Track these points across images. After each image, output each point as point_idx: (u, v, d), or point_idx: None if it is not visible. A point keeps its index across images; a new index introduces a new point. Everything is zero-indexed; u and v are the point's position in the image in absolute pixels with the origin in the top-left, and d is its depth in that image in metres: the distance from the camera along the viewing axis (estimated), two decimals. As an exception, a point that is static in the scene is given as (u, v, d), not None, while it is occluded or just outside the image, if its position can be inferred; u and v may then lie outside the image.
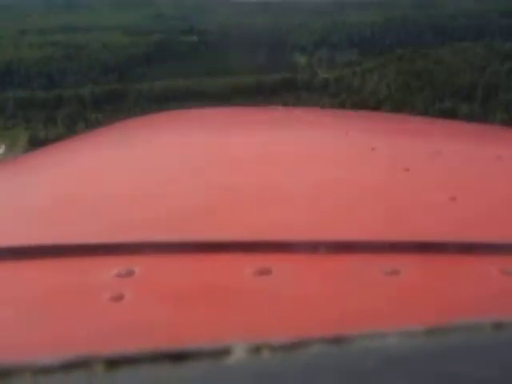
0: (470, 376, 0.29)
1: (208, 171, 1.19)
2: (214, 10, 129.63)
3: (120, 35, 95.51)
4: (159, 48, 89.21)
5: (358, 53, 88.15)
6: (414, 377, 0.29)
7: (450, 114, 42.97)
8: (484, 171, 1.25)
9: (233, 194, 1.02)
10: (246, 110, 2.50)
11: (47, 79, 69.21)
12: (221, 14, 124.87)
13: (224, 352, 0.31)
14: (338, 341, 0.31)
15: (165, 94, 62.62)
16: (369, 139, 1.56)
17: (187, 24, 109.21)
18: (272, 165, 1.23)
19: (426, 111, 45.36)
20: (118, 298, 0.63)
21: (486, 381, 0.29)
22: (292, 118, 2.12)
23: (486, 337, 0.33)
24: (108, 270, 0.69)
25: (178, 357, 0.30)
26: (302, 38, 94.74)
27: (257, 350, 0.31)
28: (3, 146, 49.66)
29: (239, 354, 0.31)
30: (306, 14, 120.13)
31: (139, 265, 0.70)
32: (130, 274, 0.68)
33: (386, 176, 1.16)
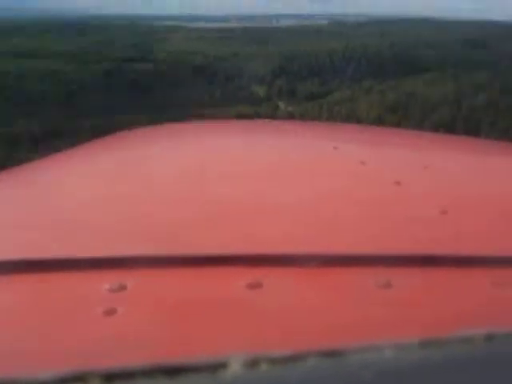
0: None
1: (200, 184, 1.18)
2: (170, 37, 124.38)
3: (65, 63, 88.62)
4: (108, 77, 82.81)
5: (318, 83, 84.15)
6: None
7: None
8: (475, 184, 1.25)
9: (224, 208, 1.01)
10: (241, 124, 2.52)
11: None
12: (177, 40, 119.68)
13: (221, 365, 0.30)
14: (334, 354, 0.31)
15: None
16: (359, 152, 1.55)
17: (140, 51, 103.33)
18: (263, 178, 1.23)
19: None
20: (111, 312, 0.62)
21: None
22: (281, 131, 2.05)
23: (479, 349, 0.33)
24: (100, 284, 0.69)
25: (174, 371, 0.30)
26: (260, 67, 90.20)
27: (253, 363, 0.31)
28: None
29: (236, 367, 0.30)
30: (264, 41, 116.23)
31: (131, 279, 0.70)
32: (121, 288, 0.68)
33: (377, 190, 1.14)
